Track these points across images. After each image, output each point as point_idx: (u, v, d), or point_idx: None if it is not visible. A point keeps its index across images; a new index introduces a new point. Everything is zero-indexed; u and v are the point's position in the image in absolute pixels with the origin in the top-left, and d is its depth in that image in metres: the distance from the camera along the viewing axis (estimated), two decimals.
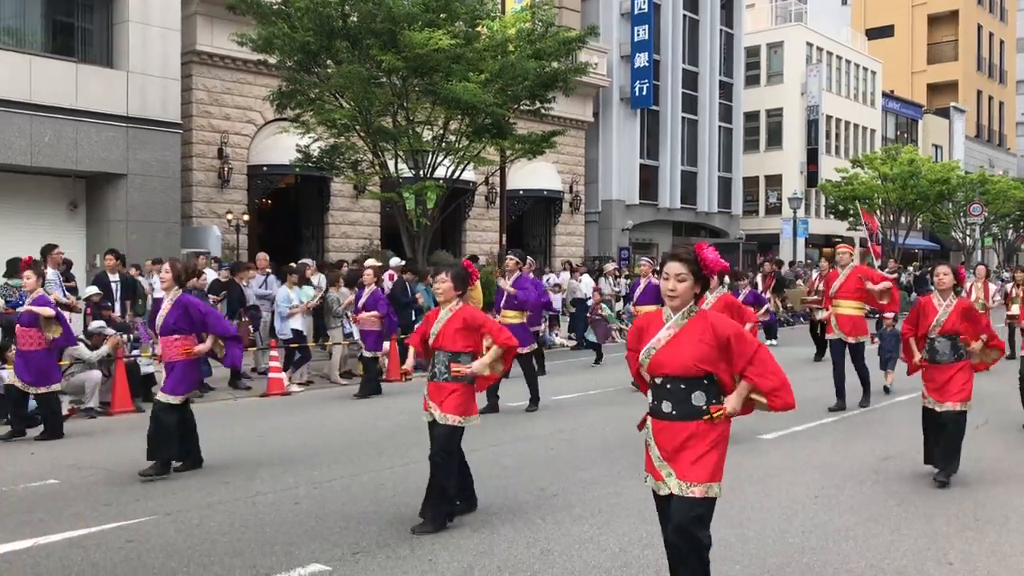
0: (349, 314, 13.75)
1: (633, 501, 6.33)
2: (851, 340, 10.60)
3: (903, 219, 37.04)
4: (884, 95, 46.29)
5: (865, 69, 44.89)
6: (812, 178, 39.27)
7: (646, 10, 29.48)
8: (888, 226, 36.85)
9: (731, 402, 3.97)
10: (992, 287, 15.94)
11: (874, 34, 52.24)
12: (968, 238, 42.94)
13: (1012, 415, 9.76)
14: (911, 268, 34.55)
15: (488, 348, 5.96)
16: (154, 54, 17.81)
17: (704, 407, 3.93)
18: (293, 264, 14.89)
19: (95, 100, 17.01)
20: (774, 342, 18.94)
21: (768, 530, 5.80)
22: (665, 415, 3.98)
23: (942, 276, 7.11)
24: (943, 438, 6.88)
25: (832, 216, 39.22)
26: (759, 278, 23.80)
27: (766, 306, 14.69)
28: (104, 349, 10.77)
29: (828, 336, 11.09)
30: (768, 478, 7.27)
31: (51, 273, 12.00)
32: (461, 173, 18.18)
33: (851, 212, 36.32)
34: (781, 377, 3.99)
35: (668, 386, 3.97)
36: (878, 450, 8.32)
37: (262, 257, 14.94)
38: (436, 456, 5.73)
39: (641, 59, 29.72)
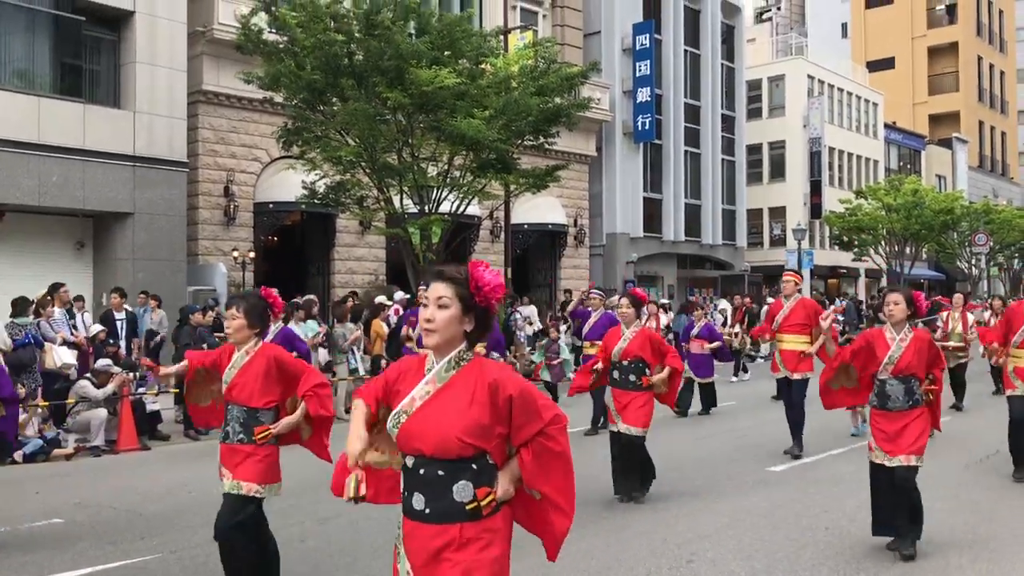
0: (354, 349, 13.76)
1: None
2: (795, 376, 9.67)
3: (908, 249, 37.02)
4: (886, 126, 46.47)
5: (867, 101, 45.12)
6: (816, 209, 39.32)
7: (647, 46, 29.74)
8: (893, 256, 36.82)
9: (502, 483, 2.83)
10: (970, 317, 14.60)
11: (875, 66, 52.56)
12: (974, 268, 42.85)
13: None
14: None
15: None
16: (161, 94, 17.99)
17: (469, 503, 2.78)
18: (298, 300, 14.91)
19: (102, 140, 17.16)
20: (745, 376, 18.63)
21: (778, 563, 5.75)
22: (417, 514, 2.86)
23: (893, 306, 5.84)
24: (898, 499, 5.75)
25: (837, 247, 39.22)
26: (729, 310, 23.69)
27: (718, 342, 13.93)
28: (110, 387, 10.78)
29: (774, 374, 10.14)
30: (776, 510, 7.22)
31: (58, 312, 12.05)
32: (466, 208, 18.27)
33: (856, 243, 36.33)
34: (569, 477, 2.84)
35: (421, 471, 2.80)
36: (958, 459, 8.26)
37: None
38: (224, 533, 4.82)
39: (643, 94, 29.93)
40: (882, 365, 5.79)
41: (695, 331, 14.07)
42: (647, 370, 7.45)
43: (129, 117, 17.65)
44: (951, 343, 12.66)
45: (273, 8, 15.69)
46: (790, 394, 9.76)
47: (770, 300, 22.00)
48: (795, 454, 9.53)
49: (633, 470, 7.47)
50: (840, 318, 18.63)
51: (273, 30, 15.92)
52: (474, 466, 2.77)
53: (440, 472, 2.77)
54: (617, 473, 7.57)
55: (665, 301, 17.48)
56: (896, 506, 5.75)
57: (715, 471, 8.91)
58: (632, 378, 7.44)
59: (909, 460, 5.65)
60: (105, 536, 6.68)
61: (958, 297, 14.70)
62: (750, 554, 5.92)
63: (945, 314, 13.87)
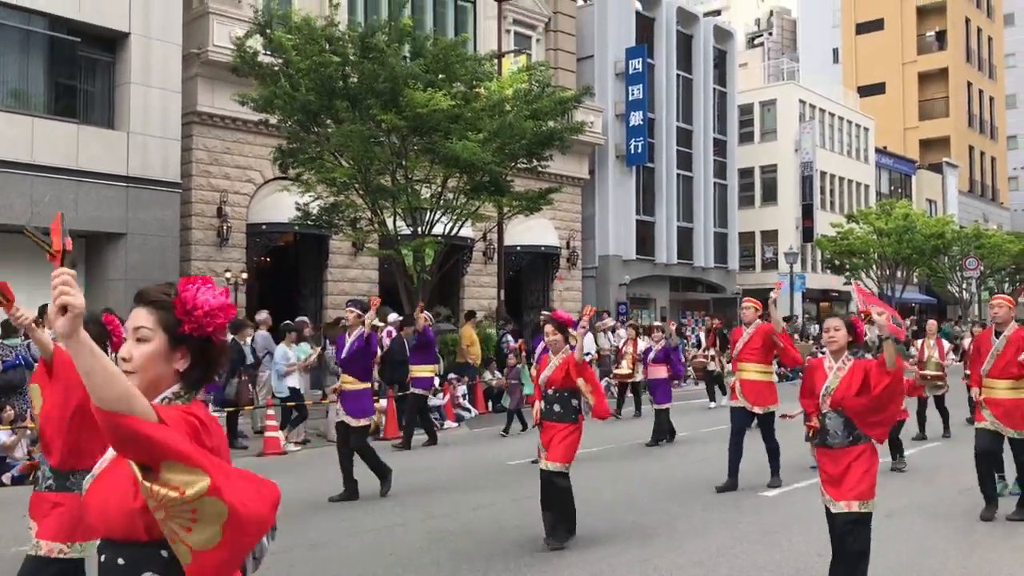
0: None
1: None
2: (758, 411, 9.22)
3: (899, 273, 37.17)
4: (877, 151, 46.78)
5: (858, 126, 45.43)
6: (808, 233, 39.49)
7: (640, 70, 29.93)
8: (884, 280, 36.97)
9: None
10: (946, 344, 13.78)
11: (866, 91, 52.99)
12: (965, 292, 43.04)
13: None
14: (907, 321, 34.51)
15: None
16: (155, 115, 18.02)
17: None
18: (290, 322, 14.89)
19: (96, 161, 17.16)
20: (724, 401, 17.24)
21: None
22: None
23: (833, 332, 5.27)
24: (840, 551, 5.08)
25: (828, 271, 39.36)
26: (702, 333, 23.64)
27: (668, 365, 13.55)
28: None
29: (731, 403, 9.64)
30: (771, 534, 7.20)
31: (48, 334, 11.98)
32: (459, 230, 18.29)
33: (847, 267, 36.46)
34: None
35: (103, 558, 2.12)
36: (883, 506, 8.23)
37: (265, 317, 14.92)
38: None
39: (636, 118, 30.09)
40: (820, 397, 5.16)
41: (652, 355, 13.85)
42: (574, 400, 6.91)
43: (123, 138, 17.66)
44: (928, 371, 12.05)
45: (268, 31, 15.77)
46: (743, 426, 9.27)
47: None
48: (775, 484, 9.20)
49: (557, 510, 6.84)
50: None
51: (268, 52, 15.99)
52: (163, 553, 2.01)
53: (120, 560, 2.06)
54: (544, 513, 6.95)
55: (658, 323, 17.34)
56: (838, 556, 5.09)
57: (707, 496, 8.88)
58: (557, 408, 6.88)
59: (851, 506, 4.97)
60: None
61: (931, 324, 14.05)
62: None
63: (920, 341, 13.42)
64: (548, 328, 7.08)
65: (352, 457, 8.97)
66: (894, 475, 9.79)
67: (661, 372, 13.50)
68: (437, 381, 15.69)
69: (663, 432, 12.78)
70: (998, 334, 7.82)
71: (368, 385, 9.25)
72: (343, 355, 9.21)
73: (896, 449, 10.24)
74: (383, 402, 13.55)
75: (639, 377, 15.80)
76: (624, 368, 15.96)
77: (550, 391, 6.95)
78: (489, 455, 12.01)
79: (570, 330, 7.07)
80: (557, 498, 6.82)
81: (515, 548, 6.78)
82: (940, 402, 13.11)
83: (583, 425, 7.03)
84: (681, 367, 20.26)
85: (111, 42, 17.88)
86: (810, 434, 5.18)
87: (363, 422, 9.00)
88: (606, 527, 7.46)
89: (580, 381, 6.86)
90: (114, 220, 17.47)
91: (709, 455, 11.50)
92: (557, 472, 6.80)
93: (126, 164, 17.60)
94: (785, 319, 30.61)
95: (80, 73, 17.67)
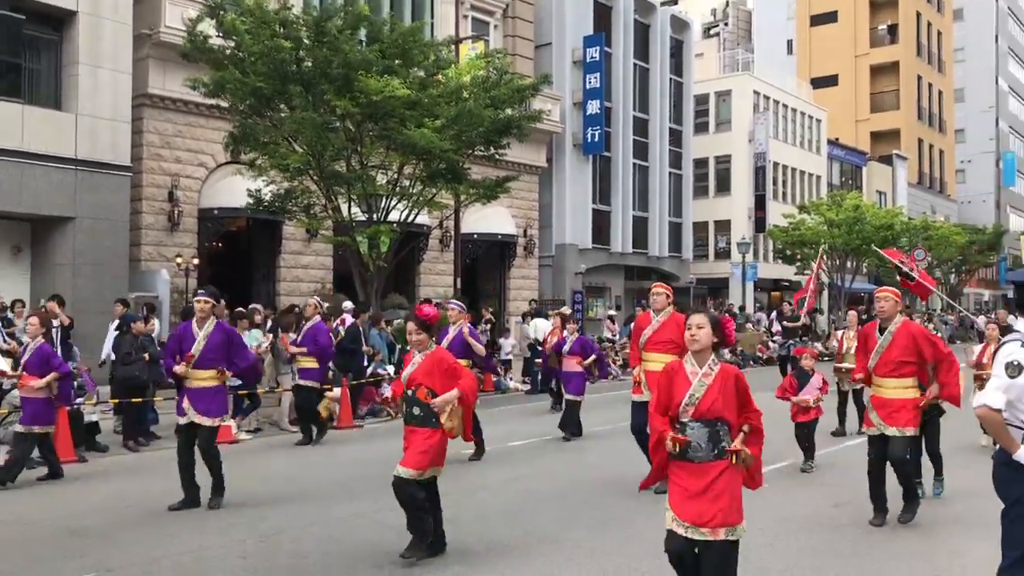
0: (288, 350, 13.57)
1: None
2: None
3: (849, 264, 37.78)
4: (829, 142, 47.43)
5: (811, 117, 46.00)
6: (760, 223, 39.95)
7: (598, 59, 29.98)
8: (834, 270, 37.55)
9: None
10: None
11: (819, 83, 53.64)
12: None
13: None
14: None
15: None
16: (104, 97, 17.64)
17: None
18: (243, 309, 14.70)
19: (42, 142, 16.76)
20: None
21: None
22: None
23: (696, 330, 4.51)
24: None
25: (780, 261, 39.88)
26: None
27: (592, 356, 12.85)
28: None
29: (634, 396, 8.58)
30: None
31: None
32: (415, 217, 18.20)
33: (799, 257, 36.96)
34: None
35: None
36: (830, 497, 8.38)
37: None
38: None
39: (593, 106, 30.15)
40: (682, 406, 4.46)
41: (567, 347, 12.90)
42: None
43: (71, 119, 17.27)
44: (845, 364, 11.31)
45: (220, 13, 15.49)
46: (646, 420, 8.20)
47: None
48: (663, 490, 8.25)
49: (411, 521, 6.16)
50: None
51: (220, 35, 15.71)
52: None
53: None
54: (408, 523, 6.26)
55: (567, 310, 16.52)
56: None
57: (610, 500, 8.88)
58: (416, 411, 6.14)
59: (717, 534, 4.33)
60: (37, 555, 6.49)
61: (852, 315, 13.01)
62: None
63: (840, 332, 12.55)
64: (410, 327, 6.33)
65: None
66: (795, 476, 9.45)
67: (574, 364, 12.67)
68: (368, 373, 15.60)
69: (572, 425, 12.23)
70: (883, 329, 7.24)
71: (221, 382, 8.15)
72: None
73: (808, 451, 9.75)
74: (337, 391, 13.45)
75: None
76: (552, 360, 14.66)
77: (409, 391, 6.24)
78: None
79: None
80: (407, 508, 6.11)
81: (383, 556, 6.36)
82: (858, 396, 11.88)
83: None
84: (607, 366, 20.19)
85: (58, 21, 17.45)
86: (675, 448, 4.41)
87: (217, 422, 8.09)
88: (477, 539, 6.99)
89: (453, 392, 6.10)
90: (62, 204, 17.09)
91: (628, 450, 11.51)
92: (407, 480, 6.04)
93: (74, 146, 17.21)
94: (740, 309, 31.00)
95: (25, 52, 17.21)
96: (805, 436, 9.72)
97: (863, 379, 7.53)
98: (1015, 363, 4.10)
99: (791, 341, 19.57)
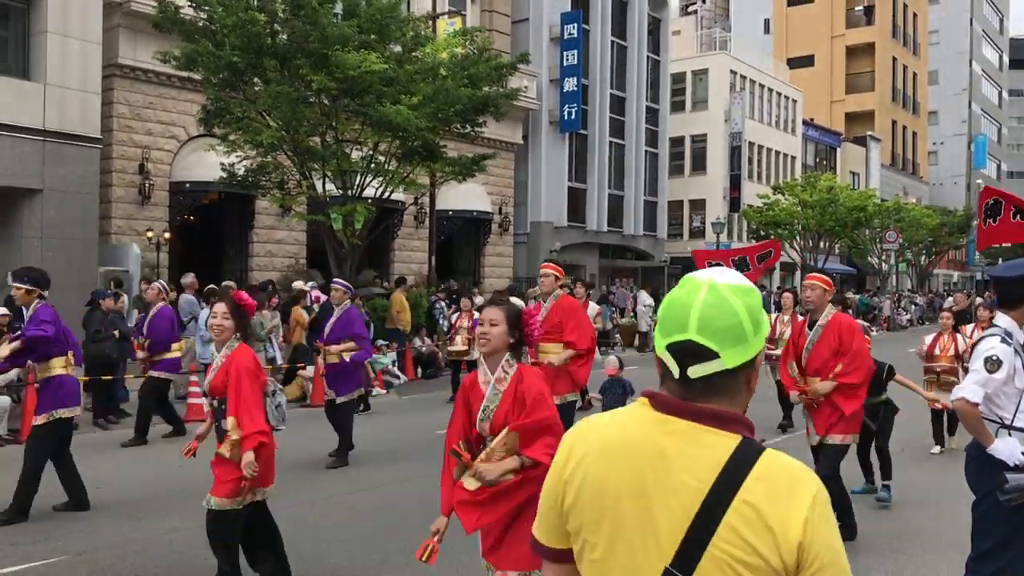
0: (272, 338, 13.50)
1: None
2: (555, 400, 6.32)
3: (822, 244, 38.08)
4: (804, 123, 47.63)
5: (786, 97, 46.13)
6: (735, 203, 40.13)
7: (575, 35, 29.82)
8: (807, 251, 37.84)
9: None
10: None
11: (795, 63, 53.78)
12: (884, 263, 44.37)
13: (920, 440, 10.02)
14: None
15: None
16: (73, 67, 17.29)
17: None
18: (215, 286, 14.57)
19: (9, 112, 16.40)
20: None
21: None
22: None
23: (488, 326, 3.72)
24: None
25: (754, 241, 40.09)
26: (629, 302, 23.56)
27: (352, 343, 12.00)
28: (13, 374, 10.36)
29: None
30: None
31: None
32: (390, 194, 18.08)
33: (772, 237, 37.19)
34: None
35: None
36: None
37: (191, 280, 14.55)
38: None
39: (570, 84, 30.02)
40: (477, 422, 3.70)
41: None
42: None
43: (39, 89, 16.91)
44: (776, 352, 9.96)
45: None
46: None
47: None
48: None
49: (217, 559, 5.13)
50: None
51: (193, 5, 15.45)
52: None
53: None
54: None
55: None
56: None
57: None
58: (225, 426, 4.94)
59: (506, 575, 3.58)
60: (4, 536, 6.41)
61: (787, 297, 11.92)
62: None
63: (774, 316, 11.67)
64: (218, 308, 5.06)
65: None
66: None
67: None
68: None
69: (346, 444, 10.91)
70: (813, 323, 6.42)
71: (65, 370, 7.31)
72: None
73: (786, 409, 9.00)
74: (310, 369, 13.39)
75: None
76: (458, 345, 14.05)
77: (215, 402, 5.08)
78: (416, 422, 11.98)
79: None
80: (216, 545, 5.00)
81: None
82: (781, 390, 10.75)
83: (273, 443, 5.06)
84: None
85: None
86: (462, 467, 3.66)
87: (77, 411, 7.37)
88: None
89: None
90: (29, 175, 16.78)
91: None
92: (219, 512, 4.89)
93: (43, 117, 16.87)
94: None
95: None
96: None
97: (799, 395, 6.42)
98: (994, 358, 4.14)
99: None
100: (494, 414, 3.64)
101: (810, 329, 6.43)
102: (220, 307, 5.02)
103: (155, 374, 10.76)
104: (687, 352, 1.59)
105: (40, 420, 7.05)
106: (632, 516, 1.60)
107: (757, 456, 1.56)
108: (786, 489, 1.53)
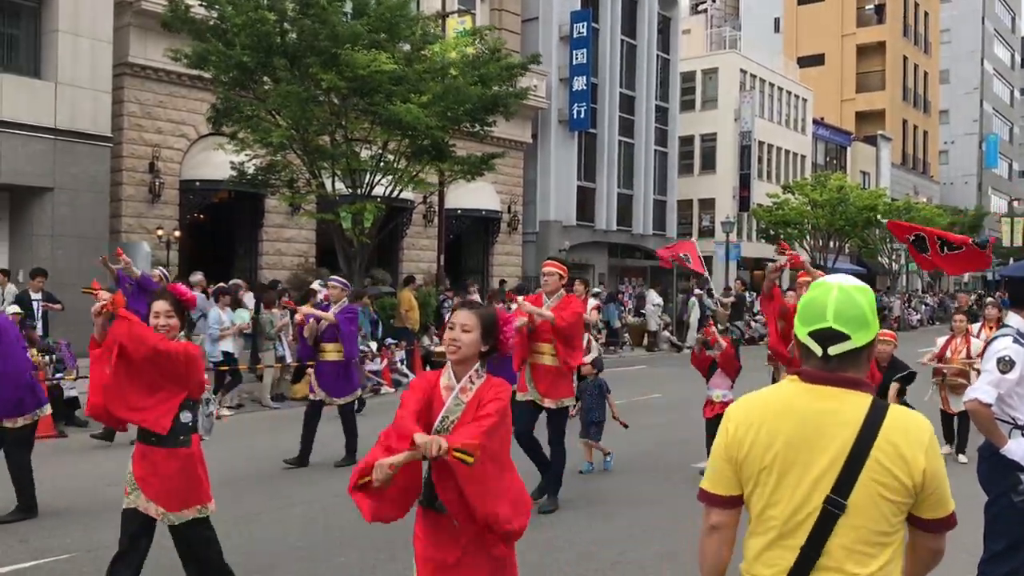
0: (281, 337, 13.52)
1: None
2: (548, 403, 7.11)
3: (832, 244, 37.96)
4: (814, 122, 47.47)
5: (796, 96, 45.99)
6: (744, 202, 40.01)
7: (585, 34, 29.78)
8: (817, 250, 37.73)
9: None
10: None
11: (805, 62, 53.59)
12: (894, 263, 44.21)
13: None
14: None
15: None
16: (84, 66, 17.37)
17: None
18: (224, 285, 14.60)
19: (21, 111, 16.50)
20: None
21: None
22: None
23: (459, 332, 3.34)
24: None
25: (763, 240, 40.01)
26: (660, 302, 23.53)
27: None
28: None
29: (520, 395, 7.10)
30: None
31: None
32: (399, 192, 18.09)
33: (782, 236, 37.11)
34: None
35: None
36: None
37: (200, 279, 14.56)
38: None
39: (579, 82, 29.98)
40: (433, 431, 3.23)
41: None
42: (184, 413, 4.77)
43: (50, 88, 17.00)
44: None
45: None
46: (530, 422, 7.16)
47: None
48: (548, 510, 7.01)
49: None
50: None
51: (203, 4, 15.48)
52: None
53: None
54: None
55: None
56: None
57: (643, 470, 8.97)
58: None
59: None
60: (14, 533, 6.44)
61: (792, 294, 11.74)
62: (676, 554, 5.98)
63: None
64: (159, 307, 4.52)
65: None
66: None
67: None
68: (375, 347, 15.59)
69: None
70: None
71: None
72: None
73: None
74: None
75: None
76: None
77: None
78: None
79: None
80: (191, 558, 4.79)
81: None
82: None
83: (199, 449, 4.78)
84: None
85: None
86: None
87: (28, 420, 7.06)
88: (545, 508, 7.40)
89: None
90: (41, 174, 16.86)
91: (647, 423, 11.60)
92: (190, 522, 4.73)
93: (54, 116, 16.96)
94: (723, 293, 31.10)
95: (3, 18, 16.91)
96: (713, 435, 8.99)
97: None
98: (1006, 358, 4.12)
99: (737, 323, 19.56)
100: (453, 426, 3.22)
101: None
102: (162, 305, 4.49)
103: None
104: (826, 336, 2.17)
105: (24, 422, 6.97)
106: (797, 460, 2.17)
107: (886, 409, 2.16)
108: (911, 430, 2.15)
